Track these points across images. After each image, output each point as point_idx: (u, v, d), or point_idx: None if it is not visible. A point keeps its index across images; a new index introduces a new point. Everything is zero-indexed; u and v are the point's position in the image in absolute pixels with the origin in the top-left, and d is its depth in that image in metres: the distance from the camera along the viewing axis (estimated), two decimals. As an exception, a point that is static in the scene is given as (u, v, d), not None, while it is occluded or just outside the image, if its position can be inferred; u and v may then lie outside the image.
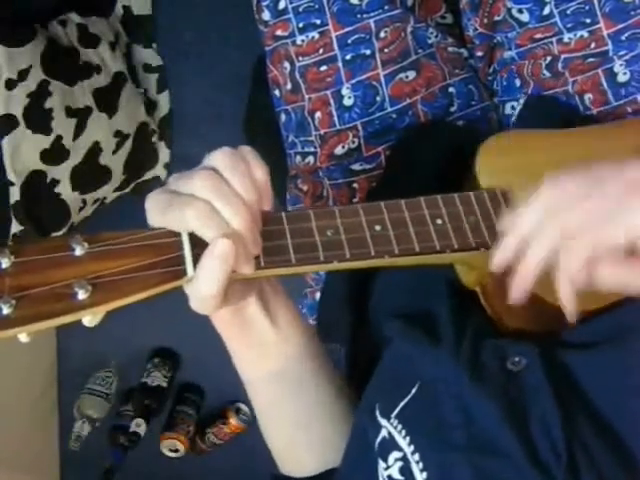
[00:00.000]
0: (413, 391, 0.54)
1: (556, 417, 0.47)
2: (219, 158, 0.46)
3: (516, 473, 0.47)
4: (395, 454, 0.52)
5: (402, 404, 0.54)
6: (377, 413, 0.55)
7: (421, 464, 0.50)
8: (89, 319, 0.42)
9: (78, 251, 0.43)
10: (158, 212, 0.45)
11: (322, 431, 0.61)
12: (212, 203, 0.44)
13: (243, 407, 1.57)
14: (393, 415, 0.54)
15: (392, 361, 0.60)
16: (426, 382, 0.54)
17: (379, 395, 0.58)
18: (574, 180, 0.46)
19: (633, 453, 0.46)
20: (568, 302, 0.46)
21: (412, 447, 0.51)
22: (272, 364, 0.59)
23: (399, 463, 0.51)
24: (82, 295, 0.41)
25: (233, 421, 1.56)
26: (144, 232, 0.45)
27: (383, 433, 0.54)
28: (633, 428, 0.47)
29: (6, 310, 0.39)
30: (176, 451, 1.59)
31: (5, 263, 0.41)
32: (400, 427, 0.53)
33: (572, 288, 0.46)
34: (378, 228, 0.49)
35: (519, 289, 0.48)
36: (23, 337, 0.41)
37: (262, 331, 0.57)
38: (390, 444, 0.52)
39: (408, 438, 0.51)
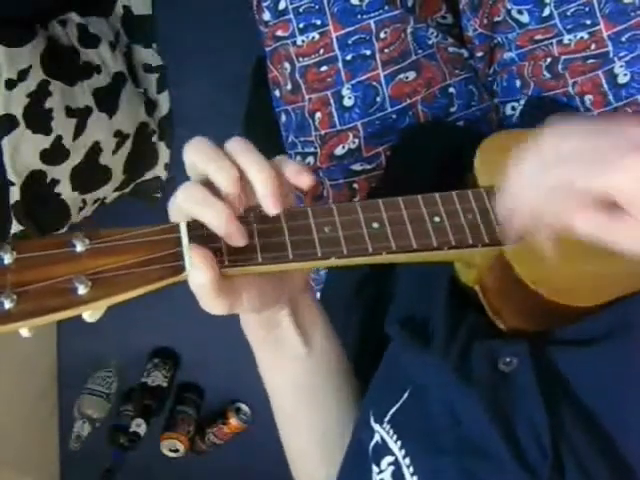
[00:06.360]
0: (405, 396, 0.54)
1: (543, 418, 0.47)
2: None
3: (503, 475, 0.47)
4: (388, 459, 0.52)
5: (394, 409, 0.54)
6: (371, 418, 0.56)
7: (412, 468, 0.50)
8: (89, 314, 0.43)
9: (79, 247, 0.43)
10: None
11: (338, 446, 0.61)
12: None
13: (243, 407, 1.57)
14: (386, 420, 0.54)
15: (386, 367, 0.60)
16: (417, 387, 0.54)
17: (373, 400, 0.58)
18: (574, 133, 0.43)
19: (621, 452, 0.46)
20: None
21: (403, 451, 0.51)
22: (297, 376, 0.59)
23: (391, 467, 0.51)
24: (82, 290, 0.42)
25: (233, 421, 1.56)
26: (144, 229, 0.45)
27: (376, 438, 0.54)
28: (623, 427, 0.46)
29: (8, 305, 0.40)
30: (176, 451, 1.59)
31: (7, 259, 0.42)
32: (392, 432, 0.53)
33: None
34: (376, 225, 0.49)
35: (511, 231, 0.46)
36: (24, 332, 0.41)
37: (292, 345, 0.57)
38: (383, 449, 0.53)
39: (399, 442, 0.52)
